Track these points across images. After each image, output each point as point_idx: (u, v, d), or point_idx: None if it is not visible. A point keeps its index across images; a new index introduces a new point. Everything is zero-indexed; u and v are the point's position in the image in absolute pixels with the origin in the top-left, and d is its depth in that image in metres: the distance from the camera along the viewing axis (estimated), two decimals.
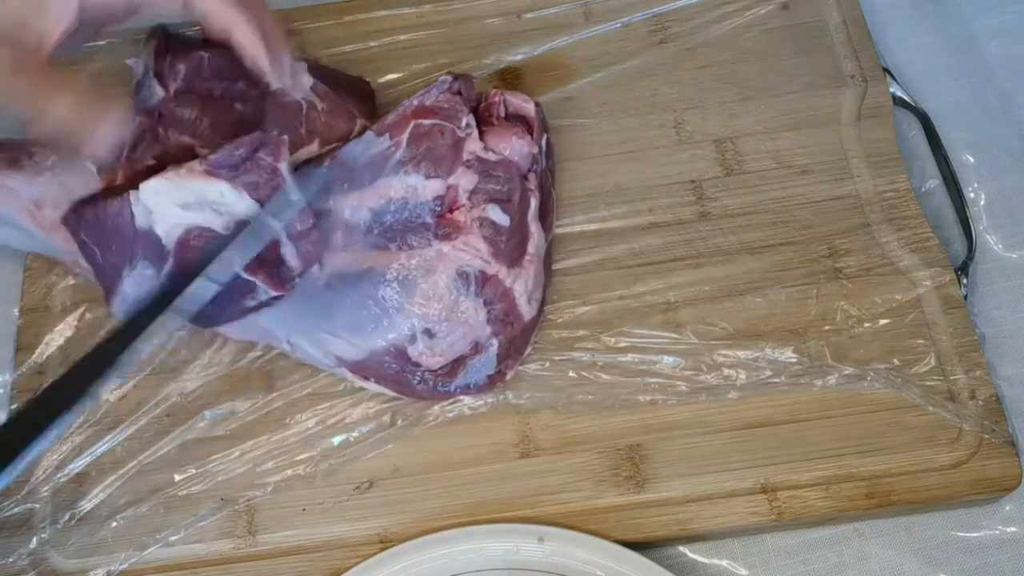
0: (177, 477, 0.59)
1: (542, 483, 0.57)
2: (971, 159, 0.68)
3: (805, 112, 0.68)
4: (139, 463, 0.59)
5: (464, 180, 0.57)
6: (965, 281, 0.62)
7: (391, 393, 0.59)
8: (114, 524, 0.57)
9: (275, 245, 0.52)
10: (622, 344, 0.60)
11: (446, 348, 0.57)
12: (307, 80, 0.62)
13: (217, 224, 0.51)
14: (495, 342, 0.57)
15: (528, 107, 0.62)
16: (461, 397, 0.59)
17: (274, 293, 0.52)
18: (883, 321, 0.60)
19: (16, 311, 0.64)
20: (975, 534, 0.57)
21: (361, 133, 0.62)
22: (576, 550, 0.54)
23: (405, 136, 0.58)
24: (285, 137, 0.54)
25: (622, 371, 0.60)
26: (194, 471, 0.59)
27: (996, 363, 0.61)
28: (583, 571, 0.54)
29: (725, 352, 0.60)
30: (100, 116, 0.48)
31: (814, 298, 0.61)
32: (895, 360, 0.59)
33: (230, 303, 0.52)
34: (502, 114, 0.62)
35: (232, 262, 0.50)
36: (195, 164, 0.51)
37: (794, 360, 0.59)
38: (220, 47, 0.57)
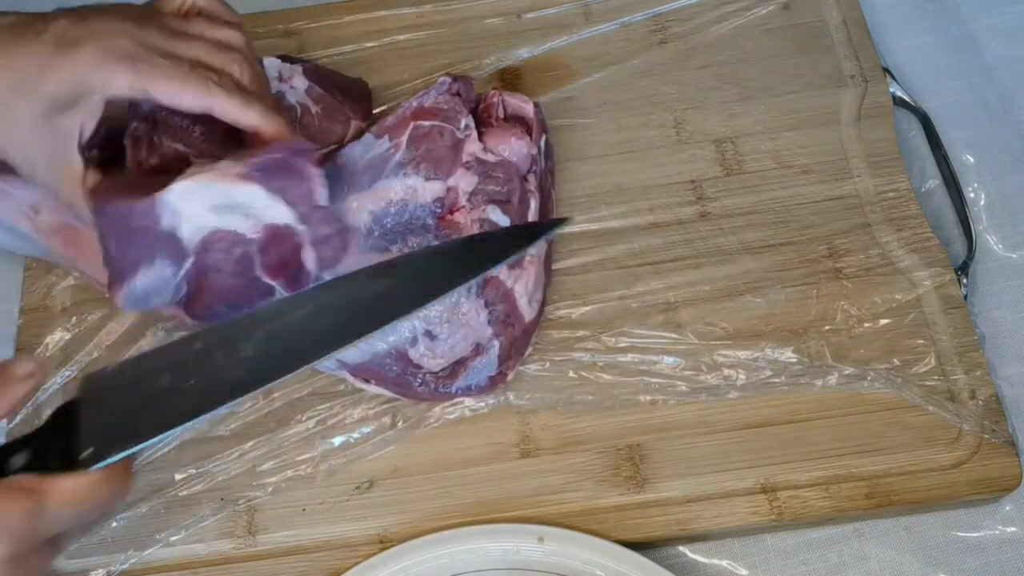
0: (177, 477, 0.59)
1: (542, 483, 0.57)
2: (971, 159, 0.68)
3: (805, 112, 0.68)
4: (139, 463, 0.59)
5: (464, 181, 0.57)
6: (965, 281, 0.62)
7: (391, 395, 0.59)
8: (114, 524, 0.57)
9: (296, 248, 0.52)
10: (622, 344, 0.60)
11: (447, 350, 0.57)
12: (302, 83, 0.62)
13: (244, 227, 0.51)
14: (496, 343, 0.57)
15: (527, 108, 0.62)
16: (462, 398, 0.59)
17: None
18: (883, 321, 0.60)
19: (16, 311, 0.64)
20: (975, 534, 0.57)
21: (357, 135, 0.62)
22: (576, 550, 0.54)
23: (404, 138, 0.58)
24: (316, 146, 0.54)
25: (622, 371, 0.60)
26: (194, 471, 0.59)
27: (996, 363, 0.61)
28: (583, 571, 0.54)
29: (725, 352, 0.60)
30: None
31: (814, 298, 0.61)
32: (895, 360, 0.59)
33: (245, 304, 0.52)
34: (501, 115, 0.62)
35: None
36: (227, 166, 0.50)
37: (794, 360, 0.59)
38: None
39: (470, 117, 0.59)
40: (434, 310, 0.56)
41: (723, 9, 0.72)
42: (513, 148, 0.59)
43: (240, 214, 0.50)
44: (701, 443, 0.58)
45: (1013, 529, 0.57)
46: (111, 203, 0.50)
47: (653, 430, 0.58)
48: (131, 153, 0.55)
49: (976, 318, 0.62)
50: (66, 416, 0.45)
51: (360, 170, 0.58)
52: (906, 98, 0.69)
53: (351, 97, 0.64)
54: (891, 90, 0.68)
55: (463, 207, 0.57)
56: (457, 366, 0.57)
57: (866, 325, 0.60)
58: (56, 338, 0.63)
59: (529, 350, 0.60)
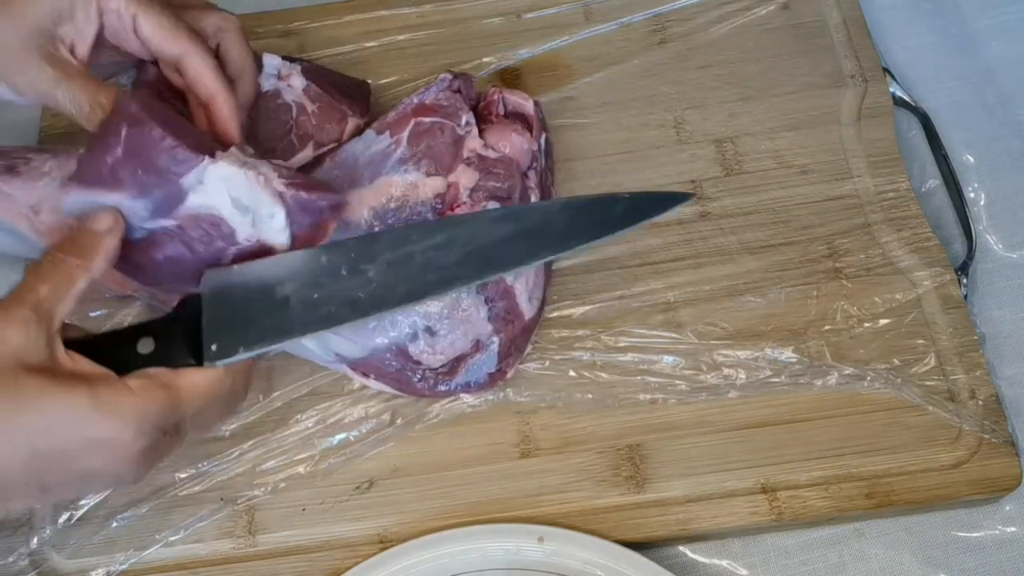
0: (177, 477, 0.59)
1: (542, 483, 0.57)
2: (971, 159, 0.68)
3: (805, 112, 0.68)
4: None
5: (464, 178, 0.57)
6: (965, 281, 0.62)
7: (391, 391, 0.59)
8: (114, 524, 0.57)
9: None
10: (622, 344, 0.60)
11: (447, 346, 0.57)
12: (300, 82, 0.62)
13: (241, 228, 0.50)
14: (496, 340, 0.57)
15: (527, 105, 0.62)
16: (461, 395, 0.59)
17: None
18: (883, 321, 0.60)
19: None
20: (975, 534, 0.57)
21: (354, 132, 0.62)
22: (576, 550, 0.54)
23: (405, 134, 0.58)
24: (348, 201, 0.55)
25: (622, 370, 0.60)
26: (194, 471, 0.59)
27: (996, 363, 0.61)
28: (583, 571, 0.54)
29: (725, 352, 0.60)
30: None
31: (814, 298, 0.61)
32: (895, 360, 0.59)
33: (188, 277, 0.51)
34: (501, 112, 0.62)
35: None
36: (270, 173, 0.50)
37: (794, 360, 0.59)
38: None
39: (471, 114, 0.59)
40: (434, 306, 0.56)
41: (723, 9, 0.72)
42: (514, 144, 0.59)
43: (249, 218, 0.50)
44: (701, 443, 0.58)
45: (1013, 529, 0.57)
46: (152, 124, 0.49)
47: (653, 430, 0.58)
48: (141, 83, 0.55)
49: (976, 318, 0.62)
50: (188, 308, 0.47)
51: (361, 166, 0.58)
52: (906, 98, 0.69)
53: (349, 96, 0.64)
54: (891, 90, 0.68)
55: (464, 203, 0.57)
56: (457, 362, 0.57)
57: (866, 325, 0.60)
58: None
59: (529, 348, 0.60)
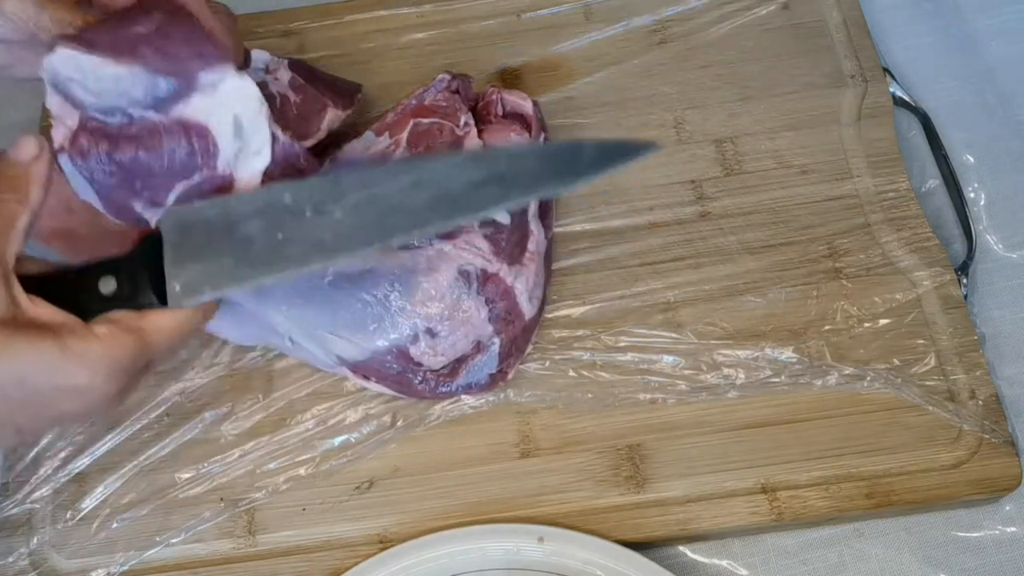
0: (177, 478, 0.59)
1: (542, 483, 0.57)
2: (971, 159, 0.68)
3: (805, 112, 0.68)
4: (139, 463, 0.59)
5: None
6: (965, 281, 0.62)
7: (392, 393, 0.59)
8: (114, 525, 0.57)
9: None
10: (622, 343, 0.60)
11: (448, 347, 0.57)
12: (286, 75, 0.62)
13: (224, 152, 0.49)
14: (497, 341, 0.57)
15: (526, 105, 0.62)
16: (462, 396, 0.59)
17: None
18: (883, 321, 0.60)
19: None
20: (975, 534, 0.57)
21: (334, 122, 0.61)
22: (576, 550, 0.54)
23: (404, 135, 0.58)
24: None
25: (622, 370, 0.60)
26: (194, 472, 0.59)
27: (996, 363, 0.61)
28: (583, 571, 0.54)
29: (725, 352, 0.60)
30: None
31: (814, 298, 0.61)
32: (895, 360, 0.59)
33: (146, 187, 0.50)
34: (500, 112, 0.62)
35: None
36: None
37: (794, 360, 0.59)
38: None
39: (469, 114, 0.59)
40: (435, 307, 0.56)
41: (723, 9, 0.72)
42: (513, 144, 0.59)
43: (238, 146, 0.49)
44: (701, 443, 0.58)
45: (1013, 529, 0.57)
46: (195, 17, 0.48)
47: (653, 430, 0.58)
48: None
49: (976, 318, 0.62)
50: (148, 245, 0.46)
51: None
52: (906, 98, 0.69)
53: (334, 90, 0.63)
54: (891, 90, 0.68)
55: None
56: (458, 364, 0.57)
57: (866, 325, 0.60)
58: None
59: (529, 348, 0.60)
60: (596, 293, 0.62)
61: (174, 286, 0.45)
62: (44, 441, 0.60)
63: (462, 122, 0.59)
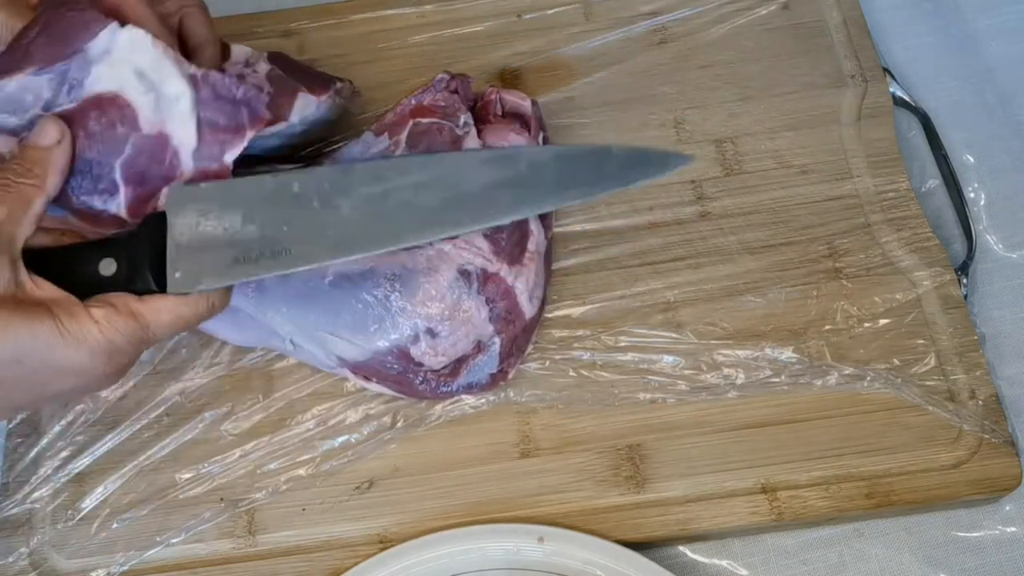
0: (177, 478, 0.59)
1: (542, 483, 0.57)
2: (971, 159, 0.68)
3: (805, 112, 0.68)
4: (139, 463, 0.59)
5: None
6: (965, 281, 0.62)
7: (392, 393, 0.59)
8: (114, 525, 0.57)
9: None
10: (622, 343, 0.60)
11: (448, 347, 0.57)
12: (264, 67, 0.61)
13: (142, 111, 0.48)
14: (497, 341, 0.57)
15: (525, 104, 0.62)
16: (463, 396, 0.59)
17: None
18: (883, 321, 0.60)
19: None
20: (975, 534, 0.57)
21: (305, 107, 0.61)
22: (576, 550, 0.54)
23: (404, 135, 0.58)
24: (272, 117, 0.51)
25: (622, 370, 0.60)
26: (194, 472, 0.59)
27: (996, 363, 0.61)
28: (583, 571, 0.54)
29: (725, 352, 0.60)
30: None
31: (814, 298, 0.61)
32: (895, 360, 0.59)
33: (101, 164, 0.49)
34: (499, 112, 0.62)
35: None
36: (185, 60, 0.48)
37: (794, 360, 0.59)
38: None
39: (468, 114, 0.59)
40: (435, 307, 0.56)
41: (723, 9, 0.72)
42: (512, 144, 0.59)
43: (152, 97, 0.48)
44: (701, 443, 0.58)
45: (1013, 529, 0.57)
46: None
47: (653, 430, 0.58)
48: None
49: (976, 318, 0.62)
50: (151, 225, 0.46)
51: None
52: (906, 98, 0.69)
53: (310, 79, 0.62)
54: (891, 90, 0.68)
55: None
56: (458, 364, 0.57)
57: (866, 325, 0.60)
58: None
59: (529, 348, 0.60)
60: (596, 293, 0.62)
61: (174, 273, 0.45)
62: (44, 441, 0.60)
63: (461, 122, 0.59)
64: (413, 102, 0.59)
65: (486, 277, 0.57)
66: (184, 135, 0.48)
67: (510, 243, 0.57)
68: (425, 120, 0.58)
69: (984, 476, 0.56)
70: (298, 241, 0.45)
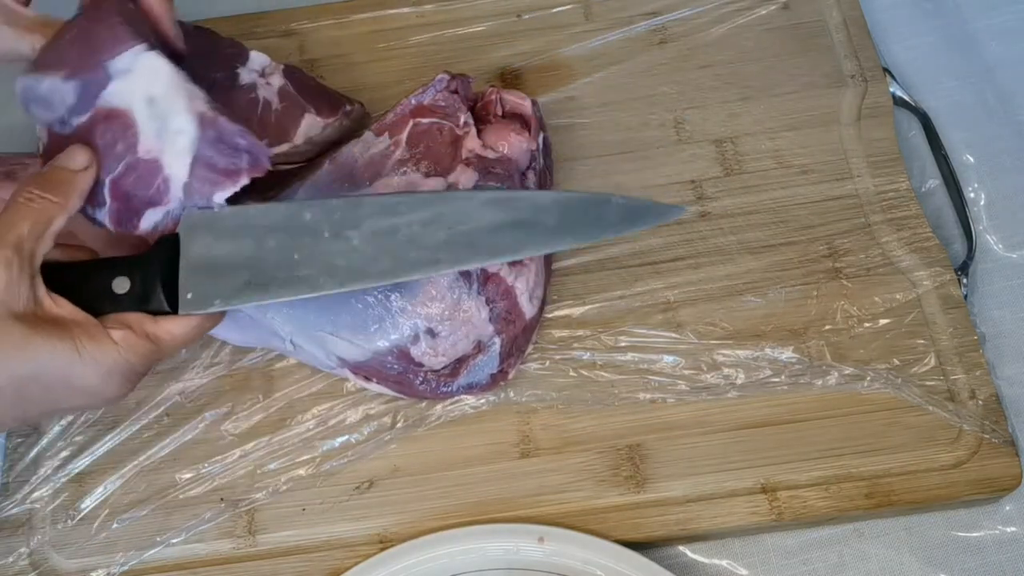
0: (178, 478, 0.59)
1: (542, 483, 0.57)
2: (971, 159, 0.68)
3: (805, 112, 0.68)
4: (139, 463, 0.59)
5: (464, 178, 0.57)
6: (965, 281, 0.62)
7: (392, 393, 0.59)
8: (115, 525, 0.57)
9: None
10: (622, 343, 0.60)
11: (449, 348, 0.57)
12: (277, 81, 0.61)
13: (144, 135, 0.48)
14: (497, 341, 0.57)
15: (525, 104, 0.62)
16: (463, 396, 0.59)
17: None
18: (883, 321, 0.60)
19: None
20: (975, 534, 0.57)
21: (312, 129, 0.61)
22: (576, 550, 0.54)
23: (404, 135, 0.58)
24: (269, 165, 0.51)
25: (622, 370, 0.60)
26: (194, 472, 0.59)
27: (996, 363, 0.61)
28: (583, 571, 0.54)
29: (725, 352, 0.60)
30: None
31: (814, 298, 0.61)
32: (895, 360, 0.59)
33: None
34: (499, 112, 0.62)
35: None
36: (201, 96, 0.49)
37: (794, 360, 0.59)
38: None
39: (469, 114, 0.59)
40: (435, 308, 0.56)
41: (723, 9, 0.72)
42: (512, 144, 0.59)
43: (156, 126, 0.49)
44: (701, 443, 0.58)
45: (1013, 529, 0.57)
46: (110, 9, 0.49)
47: (653, 430, 0.58)
48: None
49: (976, 318, 0.62)
50: (163, 247, 0.47)
51: (360, 168, 0.58)
52: (906, 98, 0.69)
53: (320, 99, 0.63)
54: (891, 90, 0.68)
55: None
56: (459, 364, 0.57)
57: (866, 325, 0.60)
58: None
59: (530, 348, 0.60)
60: (596, 293, 0.62)
61: (186, 294, 0.46)
62: (44, 441, 0.60)
63: (462, 122, 0.59)
64: (413, 102, 0.59)
65: (486, 277, 0.57)
66: (178, 168, 0.49)
67: None
68: (425, 120, 0.58)
69: (984, 476, 0.56)
70: (308, 269, 0.47)
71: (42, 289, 0.44)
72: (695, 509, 0.56)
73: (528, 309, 0.58)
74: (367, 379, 0.58)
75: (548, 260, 0.62)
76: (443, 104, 0.59)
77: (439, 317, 0.56)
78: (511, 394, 0.59)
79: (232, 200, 0.49)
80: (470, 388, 0.59)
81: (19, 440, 0.60)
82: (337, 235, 0.47)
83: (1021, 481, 0.56)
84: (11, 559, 0.57)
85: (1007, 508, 0.58)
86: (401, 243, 0.47)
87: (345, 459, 0.58)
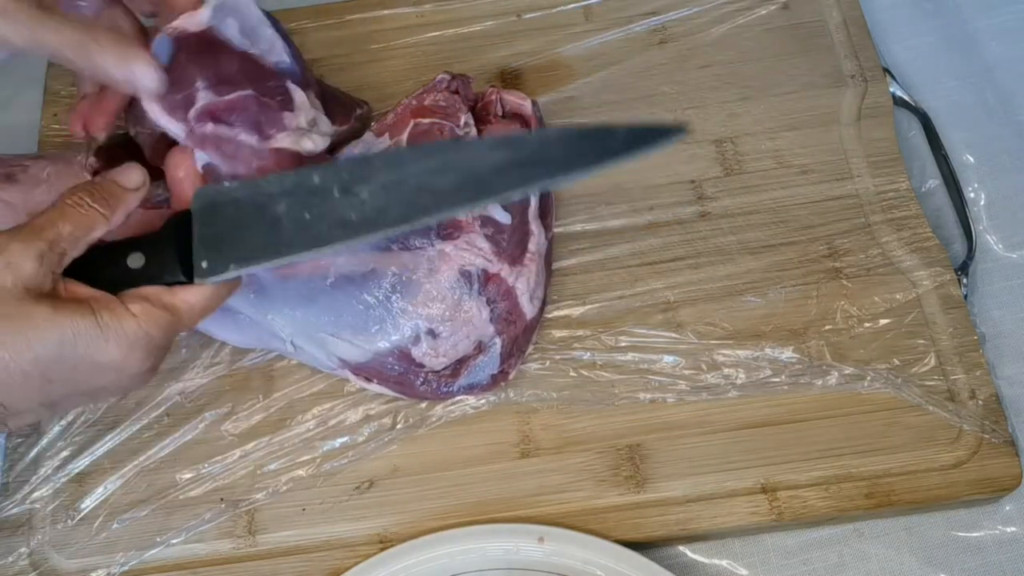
0: (178, 478, 0.59)
1: (542, 483, 0.57)
2: (971, 159, 0.68)
3: (805, 112, 0.68)
4: (139, 463, 0.59)
5: None
6: (965, 281, 0.62)
7: (392, 394, 0.59)
8: (115, 525, 0.57)
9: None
10: (622, 343, 0.60)
11: (449, 348, 0.57)
12: None
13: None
14: (498, 341, 0.57)
15: (525, 104, 0.62)
16: (463, 397, 0.59)
17: None
18: (883, 321, 0.60)
19: None
20: (975, 534, 0.57)
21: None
22: (576, 550, 0.54)
23: (404, 135, 0.58)
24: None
25: (622, 370, 0.60)
26: (194, 472, 0.59)
27: (996, 363, 0.61)
28: (583, 571, 0.54)
29: (725, 351, 0.60)
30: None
31: (814, 298, 0.61)
32: (895, 360, 0.59)
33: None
34: (499, 112, 0.62)
35: None
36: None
37: (794, 360, 0.59)
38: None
39: (469, 114, 0.59)
40: (436, 308, 0.56)
41: (723, 9, 0.72)
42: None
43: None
44: (701, 443, 0.58)
45: (1013, 529, 0.57)
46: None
47: (653, 430, 0.58)
48: None
49: (976, 318, 0.62)
50: (176, 223, 0.47)
51: None
52: (906, 98, 0.69)
53: (334, 105, 0.63)
54: (891, 90, 0.68)
55: None
56: (459, 364, 0.57)
57: (866, 325, 0.60)
58: None
59: (530, 349, 0.60)
60: (596, 293, 0.62)
61: (201, 263, 0.46)
62: (44, 441, 0.60)
63: (462, 122, 0.59)
64: (413, 102, 0.59)
65: (487, 278, 0.57)
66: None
67: (511, 244, 0.57)
68: (425, 120, 0.58)
69: (984, 476, 0.56)
70: (320, 224, 0.47)
71: (60, 283, 0.45)
72: (695, 509, 0.56)
73: (529, 309, 0.58)
74: (368, 380, 0.58)
75: (548, 260, 0.62)
76: (443, 104, 0.59)
77: (440, 318, 0.56)
78: (511, 394, 0.59)
79: None
80: (471, 388, 0.59)
81: (19, 440, 0.60)
82: (347, 192, 0.47)
83: (1021, 481, 0.56)
84: (11, 559, 0.57)
85: (1007, 508, 0.58)
86: (411, 191, 0.47)
87: (345, 459, 0.58)
